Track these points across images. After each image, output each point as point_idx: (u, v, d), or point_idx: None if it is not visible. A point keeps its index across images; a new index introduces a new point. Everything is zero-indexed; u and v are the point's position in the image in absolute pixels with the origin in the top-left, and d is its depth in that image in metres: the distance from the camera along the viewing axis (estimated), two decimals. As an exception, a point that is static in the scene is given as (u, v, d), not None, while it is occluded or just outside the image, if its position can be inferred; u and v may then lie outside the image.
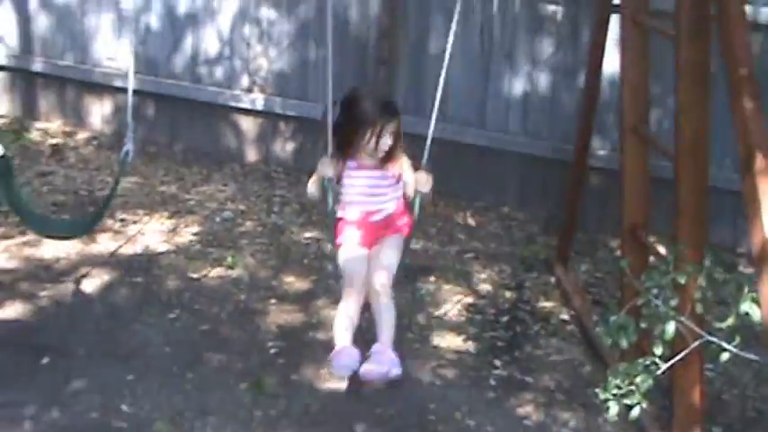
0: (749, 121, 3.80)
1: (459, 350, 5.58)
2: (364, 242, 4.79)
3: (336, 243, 4.81)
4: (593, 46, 5.81)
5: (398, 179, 4.86)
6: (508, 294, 6.16)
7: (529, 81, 6.97)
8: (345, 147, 4.76)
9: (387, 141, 4.74)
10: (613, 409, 3.88)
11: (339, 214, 4.80)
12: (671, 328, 3.87)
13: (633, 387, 3.83)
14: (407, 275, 6.24)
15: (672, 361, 3.95)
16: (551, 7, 6.81)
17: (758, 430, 5.09)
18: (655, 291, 3.95)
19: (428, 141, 4.92)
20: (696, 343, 3.96)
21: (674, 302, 3.93)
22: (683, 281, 3.93)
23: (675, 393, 4.64)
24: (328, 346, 5.44)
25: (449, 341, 5.65)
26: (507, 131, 7.09)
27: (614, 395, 3.86)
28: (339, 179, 4.78)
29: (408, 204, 4.89)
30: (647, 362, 3.89)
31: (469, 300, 6.08)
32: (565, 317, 5.94)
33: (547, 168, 6.96)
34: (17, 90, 7.92)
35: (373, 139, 4.71)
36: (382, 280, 4.68)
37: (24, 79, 7.88)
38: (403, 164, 4.86)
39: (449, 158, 7.06)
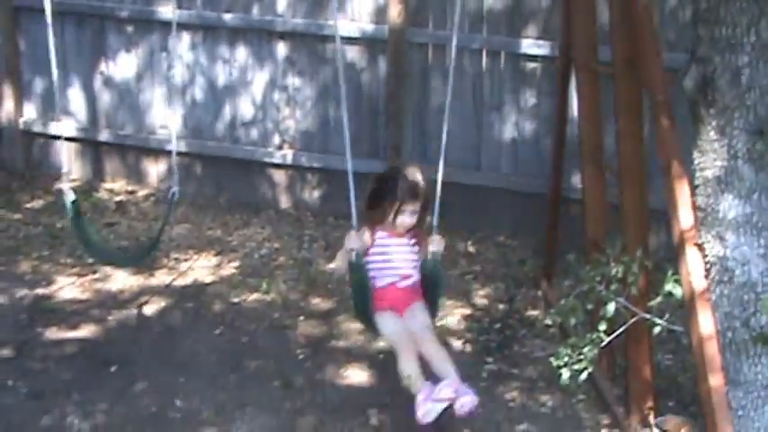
0: (666, 137, 4.26)
1: (457, 350, 6.02)
2: (398, 310, 4.73)
3: (376, 309, 4.67)
4: (559, 91, 6.29)
5: (418, 242, 4.87)
6: (501, 306, 6.59)
7: (516, 129, 7.43)
8: (375, 214, 4.79)
9: (406, 219, 4.75)
10: (565, 374, 4.34)
11: (374, 283, 4.69)
12: (611, 307, 4.33)
13: (582, 356, 4.29)
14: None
15: (614, 334, 4.41)
16: (531, 65, 7.29)
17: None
18: (598, 279, 4.43)
19: (436, 204, 4.83)
20: (633, 319, 4.42)
21: (613, 287, 4.41)
22: (620, 270, 4.40)
23: (629, 370, 5.05)
24: (348, 351, 5.98)
25: (449, 344, 6.10)
26: (499, 172, 7.55)
27: (565, 363, 4.32)
28: (369, 246, 4.74)
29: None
30: (593, 336, 4.36)
31: (468, 311, 6.52)
32: (548, 322, 6.34)
33: (535, 201, 7.35)
34: (86, 157, 8.45)
35: (393, 216, 4.74)
36: (427, 333, 4.65)
37: (92, 148, 8.40)
38: (422, 237, 4.87)
39: (451, 197, 7.47)
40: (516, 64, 7.33)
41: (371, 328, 4.83)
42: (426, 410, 4.29)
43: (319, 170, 7.90)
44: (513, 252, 7.42)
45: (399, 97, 7.53)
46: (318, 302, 6.57)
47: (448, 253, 7.24)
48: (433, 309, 4.87)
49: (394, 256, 4.78)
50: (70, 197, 5.59)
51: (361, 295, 4.63)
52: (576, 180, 7.13)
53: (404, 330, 4.63)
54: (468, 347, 6.07)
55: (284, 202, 8.06)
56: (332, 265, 4.92)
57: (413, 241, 4.86)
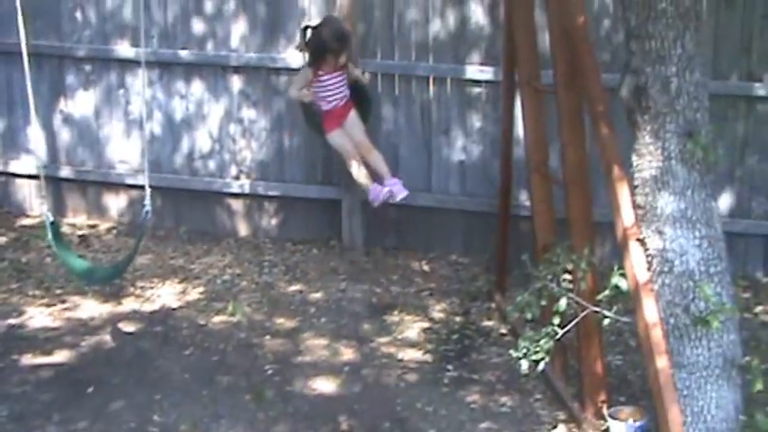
0: (606, 143, 4.69)
1: (418, 360, 6.38)
2: (339, 124, 6.58)
3: (327, 127, 6.59)
4: (504, 112, 6.73)
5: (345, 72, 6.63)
6: (458, 319, 6.96)
7: (464, 151, 7.84)
8: (317, 62, 6.48)
9: (342, 59, 6.47)
10: (524, 364, 4.73)
11: (323, 108, 6.57)
12: (563, 302, 4.73)
13: (538, 348, 4.68)
14: (375, 311, 7.08)
15: (568, 326, 4.81)
16: (476, 89, 7.72)
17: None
18: (549, 277, 4.83)
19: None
20: (584, 313, 4.82)
21: (564, 284, 4.81)
22: (570, 267, 4.81)
23: (582, 366, 5.44)
24: (315, 365, 6.32)
25: (410, 355, 6.45)
26: (449, 193, 7.94)
27: (524, 354, 4.70)
28: (313, 82, 6.52)
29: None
30: (549, 329, 4.75)
31: (426, 324, 6.88)
32: (503, 331, 6.74)
33: (485, 220, 7.73)
34: (48, 194, 8.68)
35: (334, 59, 6.44)
36: (364, 141, 6.64)
37: (53, 184, 8.63)
38: (349, 67, 6.69)
39: (403, 219, 7.93)
40: (462, 89, 7.75)
41: (323, 139, 6.79)
42: (374, 199, 6.51)
43: (276, 198, 8.24)
44: (465, 269, 7.79)
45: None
46: (283, 322, 6.89)
47: (403, 271, 7.70)
48: (364, 117, 6.77)
49: (334, 86, 6.54)
50: (49, 218, 5.98)
51: (315, 119, 6.68)
52: (524, 197, 7.53)
53: (349, 141, 6.60)
54: (429, 357, 6.42)
55: (243, 230, 8.38)
56: (290, 93, 6.82)
57: (341, 71, 6.57)
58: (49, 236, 6.01)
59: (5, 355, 6.34)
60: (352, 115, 6.65)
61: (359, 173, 6.59)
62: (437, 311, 7.09)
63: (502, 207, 7.01)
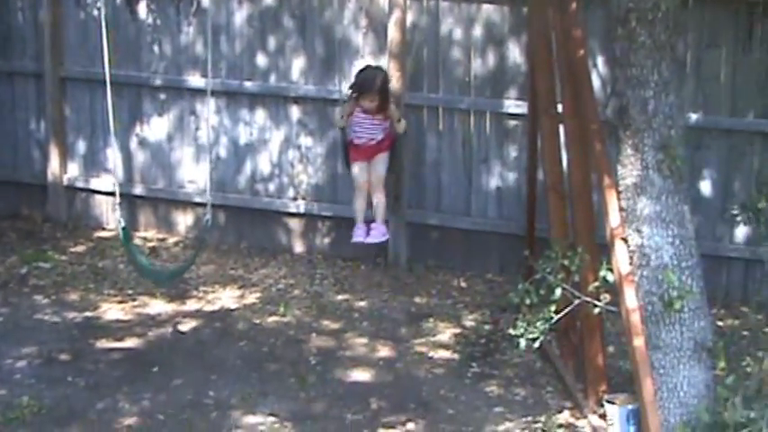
0: (599, 156, 5.66)
1: (446, 358, 7.33)
2: (365, 158, 8.06)
3: (351, 157, 8.09)
4: (530, 139, 7.72)
5: (386, 120, 8.09)
6: (487, 327, 7.89)
7: (500, 178, 8.82)
8: (351, 98, 8.02)
9: (367, 104, 7.90)
10: (522, 343, 5.68)
11: (353, 141, 8.09)
12: (558, 291, 5.68)
13: (535, 329, 5.63)
14: (413, 318, 8.06)
15: (563, 312, 5.76)
16: (513, 122, 8.71)
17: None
18: (548, 270, 5.78)
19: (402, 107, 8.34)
20: (577, 302, 5.77)
21: (560, 276, 5.77)
22: (566, 263, 5.77)
23: (586, 360, 6.36)
24: (353, 359, 7.30)
25: (440, 354, 7.40)
26: (487, 217, 8.92)
27: (521, 334, 5.66)
28: (353, 116, 8.03)
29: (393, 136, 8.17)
30: (545, 314, 5.71)
31: (458, 330, 7.83)
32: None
33: (519, 242, 8.65)
34: (123, 209, 9.80)
35: (361, 101, 7.91)
36: (379, 184, 8.11)
37: (128, 201, 9.67)
38: (392, 113, 8.11)
39: (445, 239, 8.93)
40: (500, 122, 8.74)
41: (346, 167, 8.32)
42: (356, 238, 8.14)
43: (329, 218, 9.26)
44: (499, 286, 8.71)
45: (398, 153, 8.91)
46: (328, 324, 7.90)
47: (442, 286, 8.66)
48: (392, 159, 8.25)
49: (365, 126, 8.05)
50: (122, 223, 7.11)
51: (344, 148, 8.21)
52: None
53: (365, 176, 8.09)
54: (457, 356, 7.38)
55: (298, 246, 9.41)
56: (336, 124, 8.34)
57: (381, 116, 8.06)
58: (121, 237, 7.10)
59: (83, 340, 7.44)
60: (381, 157, 8.09)
61: (358, 207, 8.14)
62: (469, 320, 8.04)
63: (529, 226, 7.97)
